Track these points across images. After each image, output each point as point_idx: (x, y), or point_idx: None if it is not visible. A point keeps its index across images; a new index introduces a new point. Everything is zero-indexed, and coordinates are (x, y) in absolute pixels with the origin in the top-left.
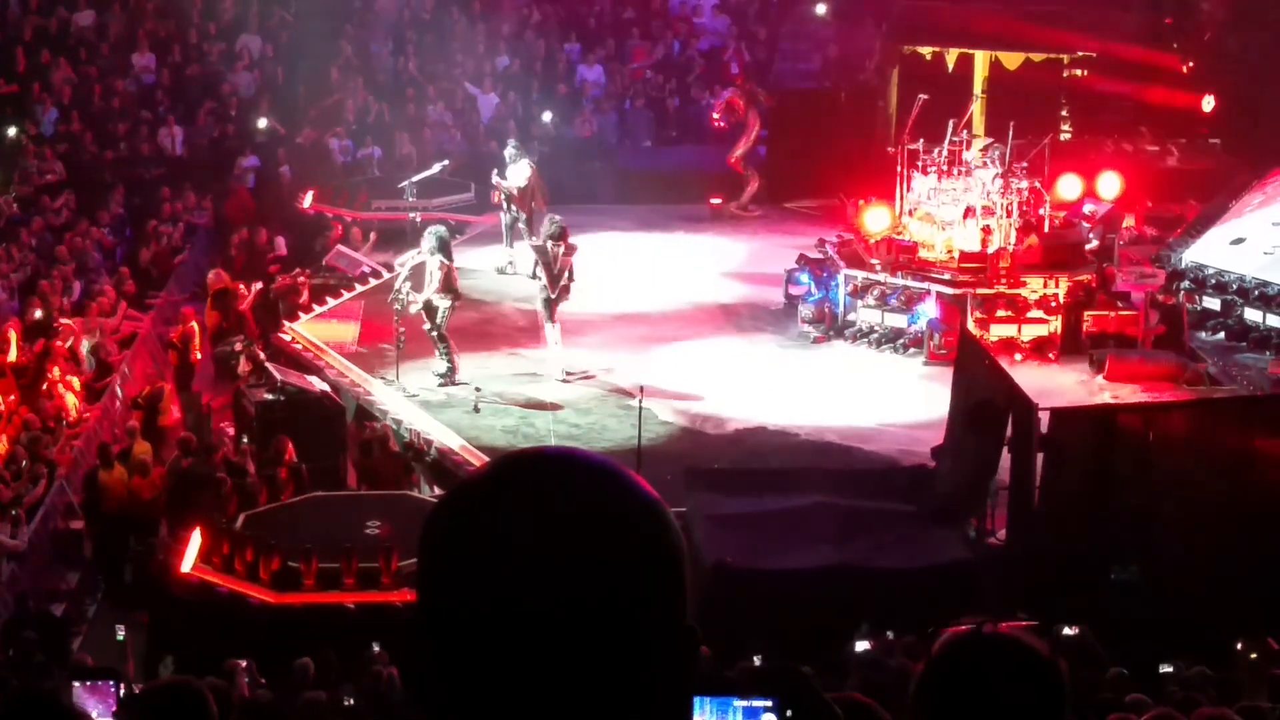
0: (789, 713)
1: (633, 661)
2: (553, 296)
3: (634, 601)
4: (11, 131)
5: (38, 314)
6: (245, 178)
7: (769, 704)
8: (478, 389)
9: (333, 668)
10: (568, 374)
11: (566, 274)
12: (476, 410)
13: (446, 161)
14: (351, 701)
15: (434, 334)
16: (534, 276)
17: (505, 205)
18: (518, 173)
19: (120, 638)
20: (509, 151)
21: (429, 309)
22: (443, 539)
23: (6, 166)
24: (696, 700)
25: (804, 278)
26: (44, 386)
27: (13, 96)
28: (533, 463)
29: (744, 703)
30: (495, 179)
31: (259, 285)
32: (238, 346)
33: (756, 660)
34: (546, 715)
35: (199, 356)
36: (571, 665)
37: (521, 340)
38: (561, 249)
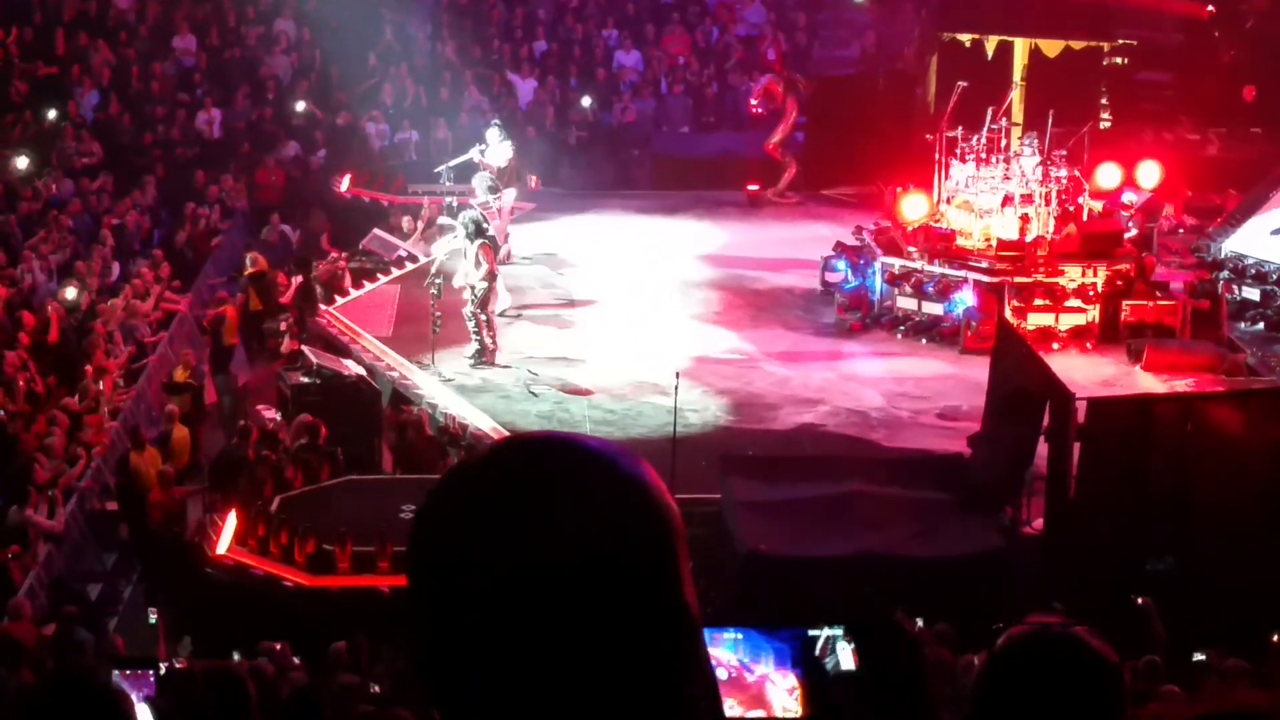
0: (860, 642)
1: (618, 639)
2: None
3: (618, 581)
4: (51, 114)
5: (70, 293)
6: (284, 162)
7: (840, 632)
8: (532, 372)
9: (364, 651)
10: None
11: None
12: (534, 395)
13: (483, 145)
14: (377, 689)
15: (473, 315)
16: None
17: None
18: (499, 153)
19: (152, 620)
20: (492, 133)
21: (469, 290)
22: (433, 519)
23: (45, 149)
24: (730, 638)
25: (841, 265)
26: (82, 367)
27: (52, 79)
28: (526, 446)
29: (773, 639)
30: (476, 158)
31: (299, 278)
32: (283, 326)
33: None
34: (529, 691)
35: (235, 340)
36: (553, 643)
37: (555, 323)
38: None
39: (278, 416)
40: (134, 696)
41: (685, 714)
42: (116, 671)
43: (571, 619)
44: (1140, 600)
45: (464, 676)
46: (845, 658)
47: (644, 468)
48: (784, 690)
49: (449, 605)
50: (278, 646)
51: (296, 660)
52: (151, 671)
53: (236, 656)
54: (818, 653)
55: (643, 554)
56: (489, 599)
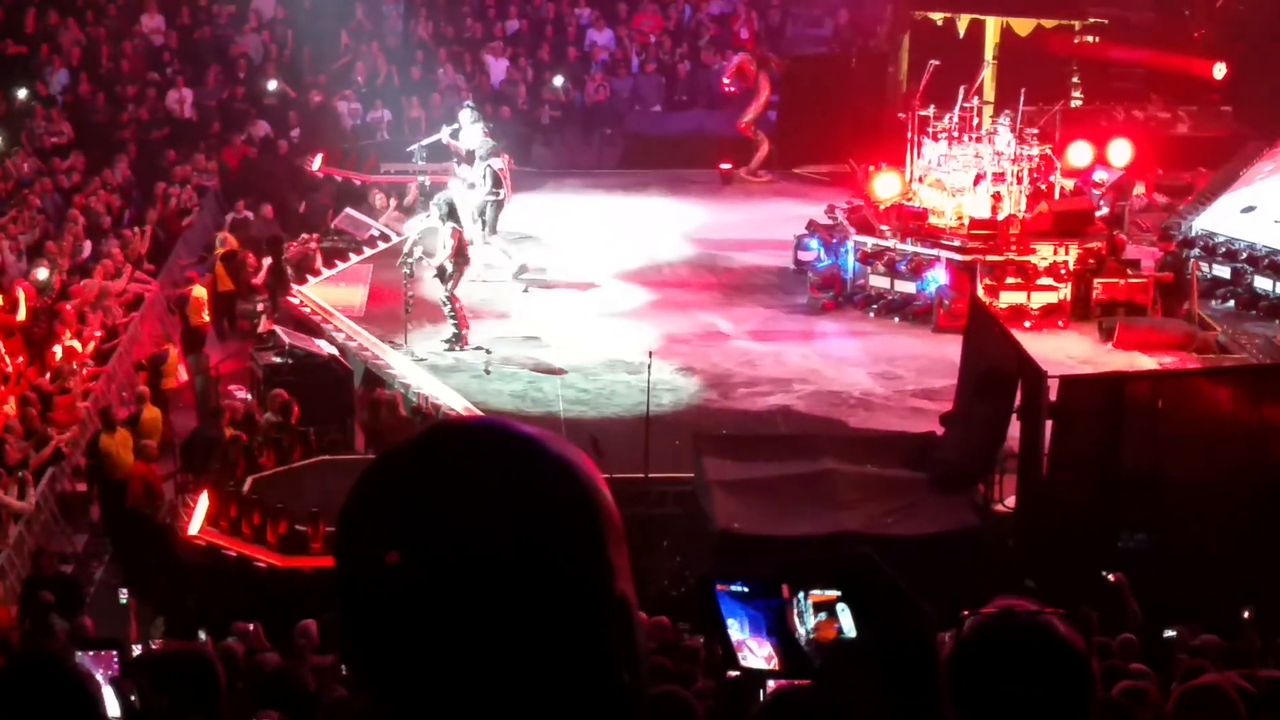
0: (857, 605)
1: (543, 627)
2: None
3: (541, 568)
4: (21, 93)
5: (41, 274)
6: (253, 141)
7: (836, 594)
8: (488, 351)
9: (335, 633)
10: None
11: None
12: (487, 373)
13: (456, 125)
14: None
15: (443, 298)
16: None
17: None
18: (471, 136)
19: (123, 601)
20: (465, 114)
21: (440, 273)
22: (357, 507)
23: (15, 128)
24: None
25: (813, 244)
26: (52, 348)
27: (21, 58)
28: (451, 432)
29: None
30: (447, 139)
31: (269, 260)
32: (259, 307)
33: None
34: (448, 674)
35: (206, 320)
36: (476, 630)
37: (529, 305)
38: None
39: (249, 397)
40: (99, 677)
41: (617, 703)
42: (81, 653)
43: (494, 606)
44: (1112, 577)
45: (390, 665)
46: (827, 624)
47: (573, 453)
48: (761, 658)
49: (372, 594)
50: (250, 627)
51: (268, 643)
52: (116, 652)
53: (203, 636)
54: (798, 618)
55: (567, 541)
56: (410, 587)
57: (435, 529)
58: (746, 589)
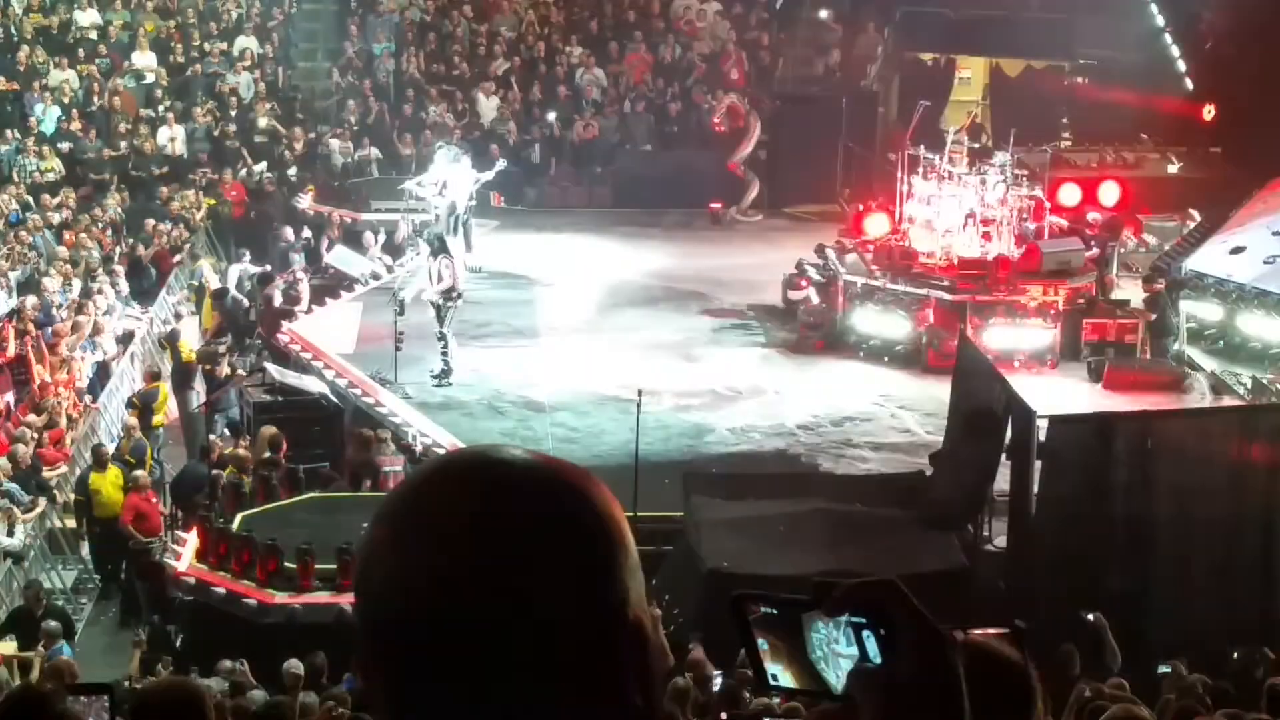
0: (882, 632)
1: (552, 649)
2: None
3: (552, 593)
4: (12, 130)
5: (30, 301)
6: (249, 179)
7: (861, 620)
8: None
9: (322, 671)
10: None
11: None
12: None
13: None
14: (341, 709)
15: (436, 333)
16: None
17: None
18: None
19: (140, 636)
20: (446, 151)
21: (435, 308)
22: (370, 542)
23: (6, 165)
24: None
25: (803, 283)
26: (39, 385)
27: (13, 94)
28: (467, 460)
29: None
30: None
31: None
32: (221, 349)
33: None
34: (462, 699)
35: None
36: (487, 650)
37: (519, 341)
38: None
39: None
40: None
41: None
42: (71, 697)
43: (507, 631)
44: (1091, 617)
45: (406, 690)
46: (847, 653)
47: (585, 479)
48: (783, 683)
49: (390, 622)
50: (238, 665)
51: (255, 681)
52: (106, 697)
53: (195, 673)
54: (816, 647)
55: (579, 565)
56: (426, 615)
57: (448, 558)
58: (774, 611)
